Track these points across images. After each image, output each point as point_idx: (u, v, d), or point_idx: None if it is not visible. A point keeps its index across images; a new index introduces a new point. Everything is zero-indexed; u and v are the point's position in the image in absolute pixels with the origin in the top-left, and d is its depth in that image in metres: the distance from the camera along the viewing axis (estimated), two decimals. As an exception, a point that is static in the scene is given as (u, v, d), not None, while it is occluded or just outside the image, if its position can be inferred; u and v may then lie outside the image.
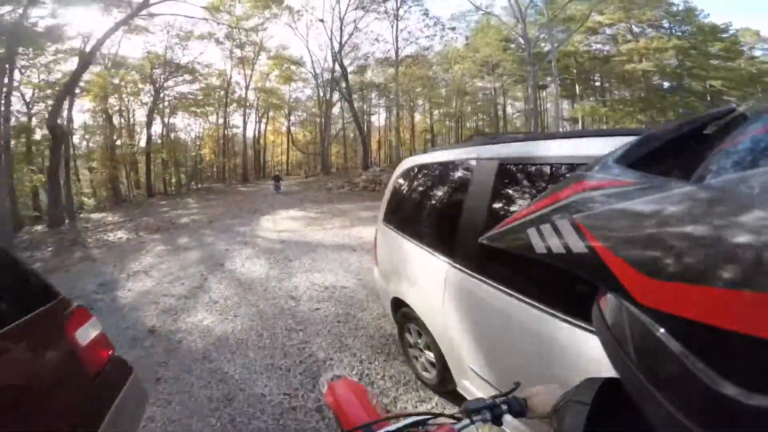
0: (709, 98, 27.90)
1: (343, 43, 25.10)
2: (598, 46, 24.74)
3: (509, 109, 35.66)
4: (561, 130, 27.10)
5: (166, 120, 29.04)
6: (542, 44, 19.19)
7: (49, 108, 15.76)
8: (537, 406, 0.69)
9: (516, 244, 0.36)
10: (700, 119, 0.31)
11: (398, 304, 2.44)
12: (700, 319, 0.20)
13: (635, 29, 24.74)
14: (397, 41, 22.17)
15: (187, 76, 27.52)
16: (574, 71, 26.29)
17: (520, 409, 0.70)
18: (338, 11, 24.38)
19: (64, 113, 20.15)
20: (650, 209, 0.24)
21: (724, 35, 24.68)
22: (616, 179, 0.28)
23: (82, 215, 18.00)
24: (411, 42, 24.10)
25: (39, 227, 14.76)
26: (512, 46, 28.58)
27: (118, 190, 22.78)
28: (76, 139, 26.87)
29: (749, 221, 0.19)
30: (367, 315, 3.52)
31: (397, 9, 22.01)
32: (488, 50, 26.97)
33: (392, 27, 22.39)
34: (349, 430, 0.89)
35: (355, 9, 23.79)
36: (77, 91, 20.67)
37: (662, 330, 0.23)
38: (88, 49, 16.32)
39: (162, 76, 25.88)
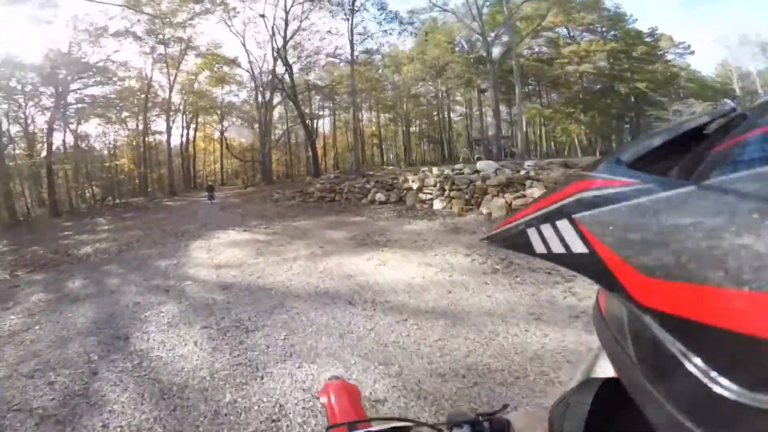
0: (633, 99, 30.31)
1: (287, 39, 22.74)
2: (543, 48, 25.30)
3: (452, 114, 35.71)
4: (503, 132, 27.93)
5: (72, 127, 24.47)
6: (492, 47, 18.72)
7: None
8: (519, 427, 0.69)
9: (516, 243, 0.37)
10: (701, 119, 0.31)
11: None
12: (700, 319, 0.21)
13: (573, 33, 25.81)
14: (352, 35, 20.38)
15: (98, 77, 23.28)
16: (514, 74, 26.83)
17: (501, 429, 0.69)
18: (283, 4, 21.99)
19: None
20: (650, 209, 0.24)
21: (648, 39, 26.70)
22: (616, 179, 0.28)
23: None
24: (367, 37, 22.44)
25: None
26: (458, 48, 28.55)
27: (12, 209, 18.12)
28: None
29: (749, 221, 0.19)
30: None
31: (353, 2, 20.27)
32: (437, 51, 26.45)
33: (348, 21, 20.55)
34: (334, 425, 0.89)
35: (303, 2, 21.62)
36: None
37: (662, 330, 0.24)
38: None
39: (68, 77, 21.44)
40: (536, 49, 25.93)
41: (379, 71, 30.62)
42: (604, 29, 26.02)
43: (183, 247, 7.92)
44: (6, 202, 18.16)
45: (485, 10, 19.45)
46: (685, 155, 0.29)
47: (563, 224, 0.30)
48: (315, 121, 34.41)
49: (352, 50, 20.67)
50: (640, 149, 0.31)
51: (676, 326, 0.23)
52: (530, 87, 30.92)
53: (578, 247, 0.28)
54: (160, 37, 24.93)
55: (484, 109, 33.63)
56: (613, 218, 0.26)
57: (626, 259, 0.24)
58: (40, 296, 5.54)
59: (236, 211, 13.80)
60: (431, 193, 10.22)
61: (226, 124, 34.73)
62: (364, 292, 4.28)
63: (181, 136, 32.14)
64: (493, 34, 19.18)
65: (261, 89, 26.52)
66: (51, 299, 5.31)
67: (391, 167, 21.02)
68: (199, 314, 4.02)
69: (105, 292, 5.34)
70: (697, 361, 0.22)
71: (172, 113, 28.81)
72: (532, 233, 0.34)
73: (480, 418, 0.70)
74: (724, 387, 0.20)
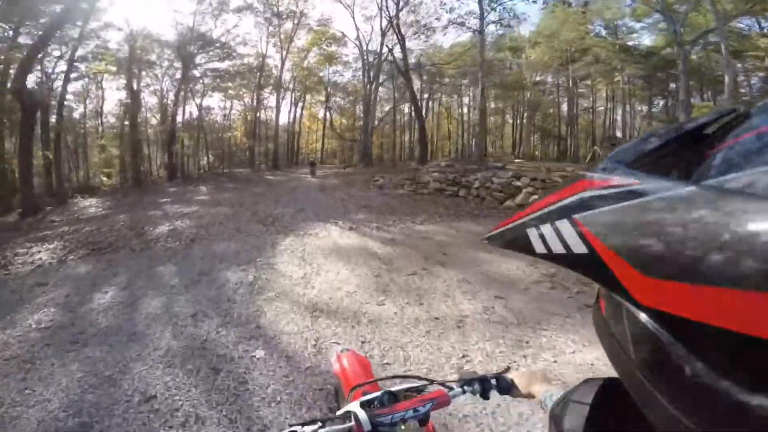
0: None
1: (401, 5, 19.94)
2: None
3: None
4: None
5: (197, 101, 25.85)
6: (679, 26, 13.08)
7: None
8: (522, 387, 0.78)
9: (516, 244, 0.36)
10: (701, 119, 0.31)
11: None
12: (700, 319, 0.21)
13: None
14: (481, 4, 16.50)
15: (220, 51, 23.74)
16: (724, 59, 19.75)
17: (506, 387, 0.79)
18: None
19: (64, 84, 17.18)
20: (650, 209, 0.24)
21: None
22: (617, 179, 0.28)
23: (76, 199, 14.36)
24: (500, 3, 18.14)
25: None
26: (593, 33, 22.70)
27: (138, 171, 19.43)
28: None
29: (749, 221, 0.19)
30: None
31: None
32: (571, 34, 21.10)
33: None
34: (351, 389, 0.93)
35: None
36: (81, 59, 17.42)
37: (662, 330, 0.24)
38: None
39: (193, 50, 22.15)
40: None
41: (501, 53, 26.23)
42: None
43: (269, 247, 5.59)
44: (134, 164, 19.19)
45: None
46: (685, 155, 0.29)
47: (563, 224, 0.30)
48: (428, 101, 31.44)
49: (482, 15, 16.69)
50: (640, 149, 0.31)
51: (676, 326, 0.23)
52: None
53: (578, 247, 0.28)
54: (275, 9, 24.29)
55: (631, 103, 26.86)
56: (613, 218, 0.26)
57: (626, 259, 0.24)
58: (56, 310, 3.60)
59: (336, 194, 11.62)
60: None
61: (331, 103, 34.02)
62: None
63: (289, 112, 32.26)
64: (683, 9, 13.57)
65: (367, 67, 24.41)
66: (64, 321, 3.37)
67: (504, 161, 17.27)
68: None
69: (136, 326, 3.13)
70: (697, 361, 0.22)
71: (282, 90, 28.68)
72: (532, 233, 0.33)
73: (488, 376, 0.80)
74: (724, 387, 0.20)
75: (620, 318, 0.28)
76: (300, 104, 33.11)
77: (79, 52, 17.55)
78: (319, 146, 37.13)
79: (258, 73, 26.33)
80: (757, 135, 0.24)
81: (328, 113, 34.20)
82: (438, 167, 12.81)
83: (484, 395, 0.79)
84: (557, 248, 0.30)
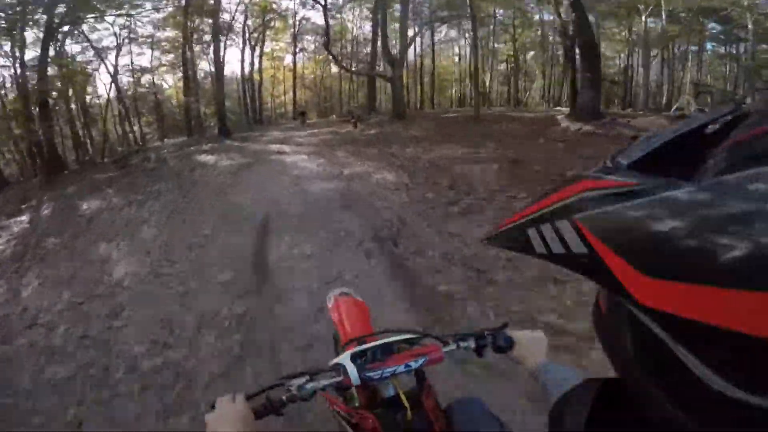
0: None
1: None
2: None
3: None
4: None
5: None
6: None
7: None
8: (521, 350, 0.75)
9: (516, 244, 0.37)
10: (702, 119, 0.31)
11: None
12: (700, 319, 0.21)
13: None
14: None
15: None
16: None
17: (504, 346, 0.75)
18: None
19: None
20: (650, 209, 0.24)
21: None
22: (616, 179, 0.28)
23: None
24: None
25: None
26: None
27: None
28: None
29: (749, 221, 0.19)
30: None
31: None
32: None
33: None
34: (345, 343, 0.93)
35: None
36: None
37: (662, 330, 0.24)
38: None
39: None
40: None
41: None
42: None
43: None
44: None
45: None
46: (685, 155, 0.29)
47: (563, 224, 0.30)
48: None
49: None
50: (640, 149, 0.31)
51: (677, 326, 0.23)
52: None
53: (578, 247, 0.28)
54: None
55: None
56: (613, 218, 0.26)
57: (626, 260, 0.24)
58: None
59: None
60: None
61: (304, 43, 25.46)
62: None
63: (242, 61, 23.10)
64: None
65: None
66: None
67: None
68: None
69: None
70: (697, 361, 0.22)
71: (226, 31, 19.80)
72: (532, 233, 0.33)
73: (485, 333, 0.76)
74: (723, 387, 0.20)
75: (620, 318, 0.28)
76: (257, 48, 24.36)
77: None
78: (288, 99, 28.42)
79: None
80: (758, 135, 0.24)
81: (299, 54, 25.55)
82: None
83: (479, 352, 0.77)
84: (557, 249, 0.30)
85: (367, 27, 22.42)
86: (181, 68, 19.28)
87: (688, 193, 0.23)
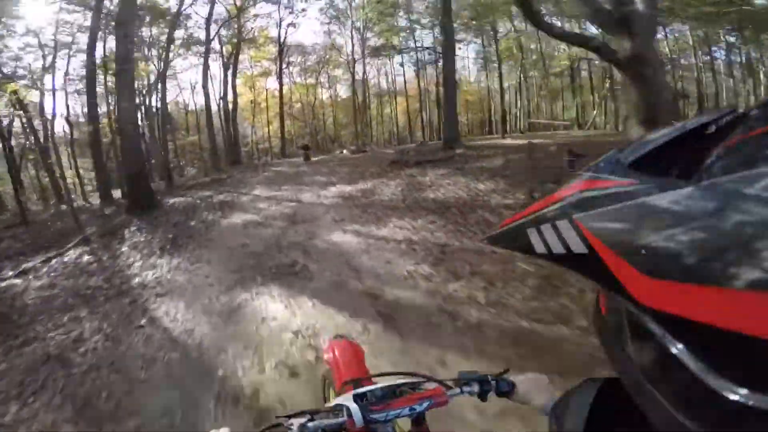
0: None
1: None
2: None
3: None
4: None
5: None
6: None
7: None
8: (523, 392, 0.73)
9: (516, 244, 0.36)
10: (701, 119, 0.31)
11: None
12: (700, 319, 0.21)
13: None
14: None
15: None
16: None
17: (507, 390, 0.74)
18: None
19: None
20: (650, 210, 0.24)
21: None
22: (616, 179, 0.28)
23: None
24: None
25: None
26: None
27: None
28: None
29: (749, 221, 0.19)
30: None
31: None
32: None
33: None
34: (342, 384, 0.90)
35: None
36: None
37: (662, 330, 0.24)
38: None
39: None
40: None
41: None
42: None
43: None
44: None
45: None
46: (685, 155, 0.28)
47: (563, 224, 0.29)
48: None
49: None
50: (640, 149, 0.31)
51: (676, 326, 0.22)
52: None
53: (578, 247, 0.28)
54: None
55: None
56: (613, 218, 0.26)
57: (626, 259, 0.24)
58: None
59: None
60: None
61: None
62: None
63: (206, 81, 18.52)
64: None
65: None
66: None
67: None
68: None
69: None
70: (697, 361, 0.21)
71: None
72: (532, 233, 0.33)
73: (488, 377, 0.75)
74: (723, 387, 0.20)
75: (620, 318, 0.28)
76: (231, 66, 20.03)
77: None
78: (269, 131, 24.05)
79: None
80: (757, 135, 0.24)
81: (286, 77, 21.67)
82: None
83: (482, 396, 0.76)
84: (557, 249, 0.30)
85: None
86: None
87: (687, 193, 0.23)
